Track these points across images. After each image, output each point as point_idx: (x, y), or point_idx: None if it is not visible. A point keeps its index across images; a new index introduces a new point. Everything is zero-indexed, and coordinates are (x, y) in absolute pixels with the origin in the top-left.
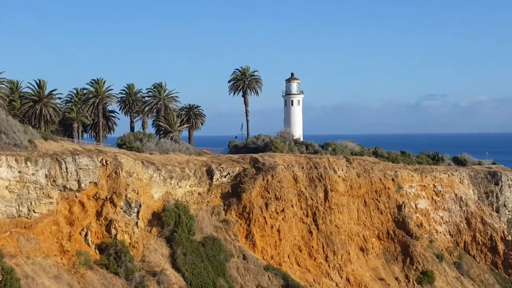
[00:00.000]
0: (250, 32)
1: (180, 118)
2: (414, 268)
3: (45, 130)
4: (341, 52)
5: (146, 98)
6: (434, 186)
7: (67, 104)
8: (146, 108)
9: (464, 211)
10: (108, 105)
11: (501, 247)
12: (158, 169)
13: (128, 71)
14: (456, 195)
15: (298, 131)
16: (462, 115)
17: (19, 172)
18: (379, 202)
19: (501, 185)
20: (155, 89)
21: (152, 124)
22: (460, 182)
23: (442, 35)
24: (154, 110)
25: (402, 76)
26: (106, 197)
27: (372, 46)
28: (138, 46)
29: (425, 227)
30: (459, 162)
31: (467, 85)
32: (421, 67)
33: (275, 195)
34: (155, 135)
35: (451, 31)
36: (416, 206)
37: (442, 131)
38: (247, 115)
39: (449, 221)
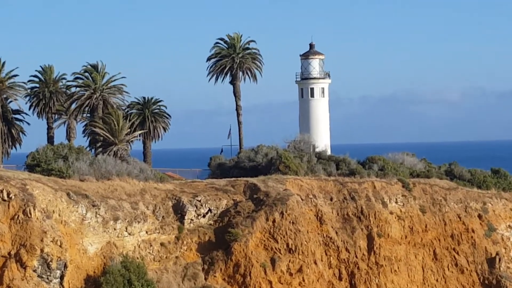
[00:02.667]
0: None
1: (130, 120)
2: None
3: None
4: (392, 10)
5: (73, 89)
6: None
7: None
8: (74, 105)
9: None
10: (11, 102)
11: None
12: (94, 206)
13: (43, 45)
14: None
15: (322, 139)
16: None
17: None
18: (457, 253)
19: None
20: (87, 74)
21: (84, 132)
22: None
23: None
24: (87, 109)
25: (488, 49)
26: (9, 253)
27: (443, 3)
28: (59, 6)
29: None
30: None
31: None
32: None
33: (287, 245)
34: (88, 149)
35: None
36: None
37: None
38: (238, 114)
39: None
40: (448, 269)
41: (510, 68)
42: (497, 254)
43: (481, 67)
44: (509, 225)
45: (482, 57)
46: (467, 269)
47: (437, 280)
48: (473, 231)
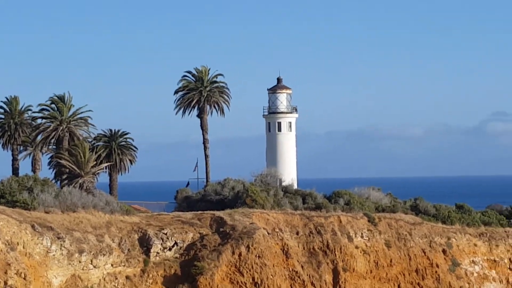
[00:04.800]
0: (209, 13)
1: (96, 153)
2: None
3: None
4: (359, 47)
5: (39, 120)
6: (511, 261)
7: None
8: (39, 137)
9: None
10: None
11: None
12: (59, 238)
13: (8, 75)
14: None
15: (289, 173)
16: None
17: None
18: None
19: None
20: (53, 105)
21: (50, 163)
22: None
23: None
24: (53, 140)
25: (454, 85)
26: None
27: (408, 39)
28: (27, 37)
29: None
30: None
31: None
32: (484, 70)
33: (253, 279)
34: (54, 181)
35: None
36: None
37: None
38: (205, 148)
39: None
40: None
41: (474, 105)
42: None
43: (446, 104)
44: (473, 260)
45: (447, 93)
46: None
47: None
48: (437, 266)
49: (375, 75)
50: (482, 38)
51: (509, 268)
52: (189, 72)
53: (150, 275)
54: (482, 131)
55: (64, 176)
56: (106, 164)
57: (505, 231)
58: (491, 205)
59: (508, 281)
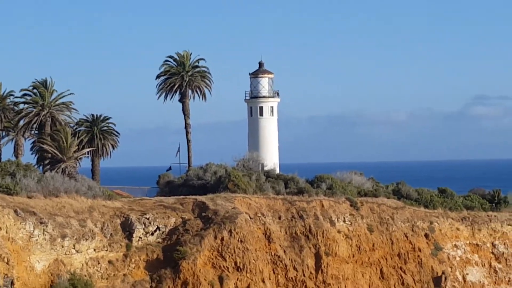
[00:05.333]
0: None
1: (78, 138)
2: None
3: None
4: (342, 32)
5: (21, 106)
6: (494, 245)
7: None
8: (22, 122)
9: None
10: None
11: None
12: (42, 223)
13: None
14: None
15: (271, 158)
16: None
17: None
18: (404, 272)
19: None
20: (35, 91)
21: (32, 148)
22: None
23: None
24: (35, 125)
25: (437, 70)
26: None
27: (392, 25)
28: (8, 22)
29: None
30: None
31: None
32: (466, 55)
33: (236, 263)
34: (36, 166)
35: None
36: (464, 278)
37: (503, 155)
38: (187, 133)
39: None
40: None
41: (456, 89)
42: (443, 273)
43: (428, 88)
44: (455, 244)
45: (430, 78)
46: None
47: None
48: (419, 250)
49: (357, 60)
50: (464, 23)
51: (492, 252)
52: (171, 56)
53: (133, 260)
54: (464, 115)
55: (47, 161)
56: (88, 149)
57: (488, 215)
58: (473, 189)
59: (490, 265)
